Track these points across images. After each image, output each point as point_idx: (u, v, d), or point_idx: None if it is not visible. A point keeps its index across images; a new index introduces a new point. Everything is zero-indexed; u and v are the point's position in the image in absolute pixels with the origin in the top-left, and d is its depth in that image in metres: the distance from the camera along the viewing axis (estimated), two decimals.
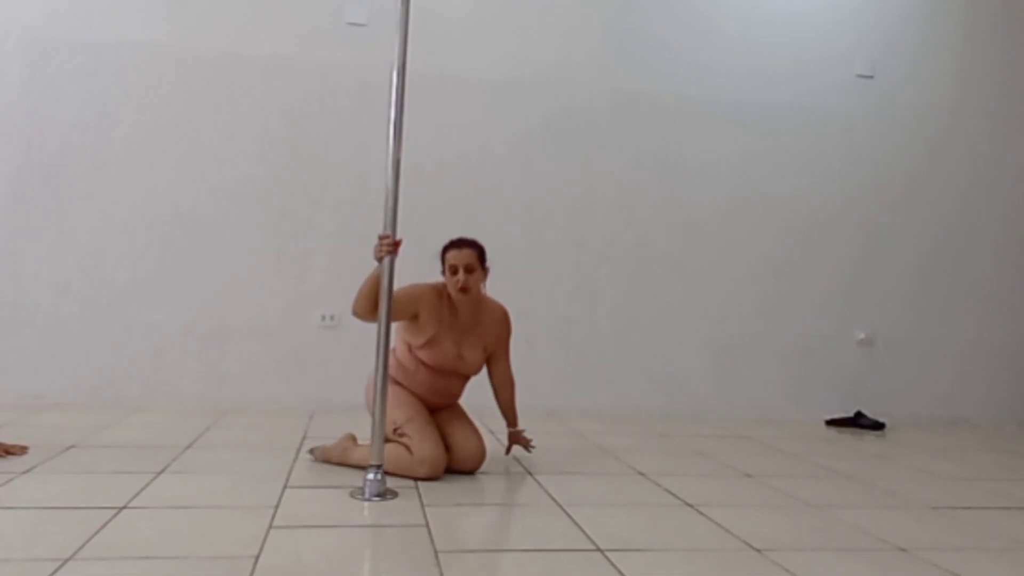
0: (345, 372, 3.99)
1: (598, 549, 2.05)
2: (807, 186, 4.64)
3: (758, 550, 2.11)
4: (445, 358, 2.78)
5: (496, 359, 2.93)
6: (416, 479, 2.64)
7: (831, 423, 4.44)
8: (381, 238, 2.52)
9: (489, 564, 1.96)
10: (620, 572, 1.89)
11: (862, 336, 4.68)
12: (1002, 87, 4.86)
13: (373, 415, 2.52)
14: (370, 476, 2.45)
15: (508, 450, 3.02)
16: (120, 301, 3.93)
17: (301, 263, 4.09)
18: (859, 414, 4.45)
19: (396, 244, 2.54)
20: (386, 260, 2.53)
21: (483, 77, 4.26)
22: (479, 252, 2.79)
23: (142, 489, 2.41)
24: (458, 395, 2.94)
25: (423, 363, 2.79)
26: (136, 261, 3.95)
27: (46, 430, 3.24)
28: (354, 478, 2.55)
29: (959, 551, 2.20)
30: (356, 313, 2.66)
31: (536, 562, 1.95)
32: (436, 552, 1.97)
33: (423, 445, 2.64)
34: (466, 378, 2.91)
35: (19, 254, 3.86)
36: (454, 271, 2.74)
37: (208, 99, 4.03)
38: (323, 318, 4.09)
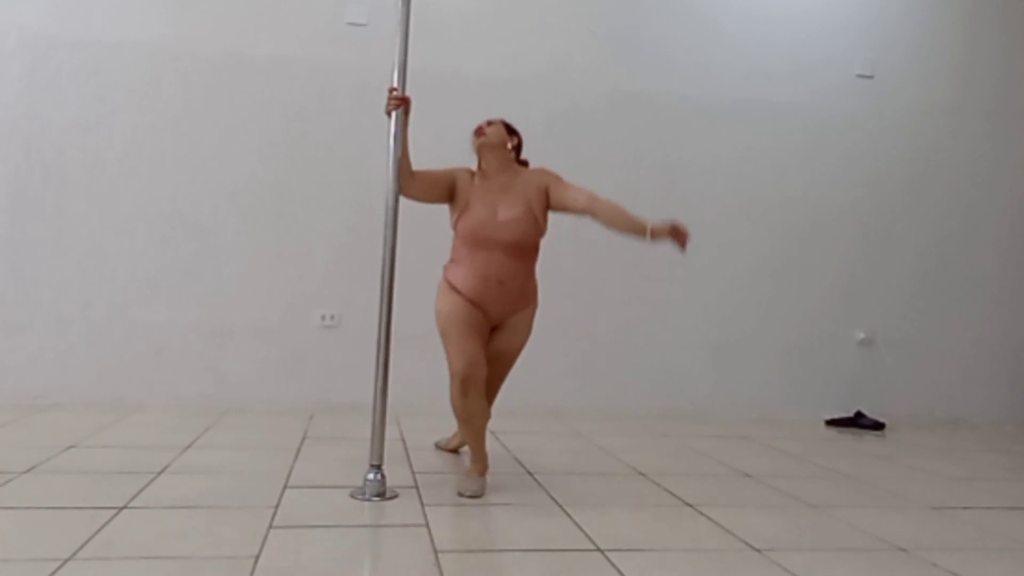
0: (345, 372, 4.00)
1: (598, 549, 2.05)
2: (807, 186, 4.64)
3: (758, 550, 2.11)
4: (478, 222, 2.62)
5: (563, 197, 2.67)
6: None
7: (831, 423, 4.44)
8: (390, 91, 2.55)
9: (489, 564, 1.96)
10: (620, 572, 1.89)
11: (862, 336, 4.68)
12: (1002, 87, 4.86)
13: (374, 414, 2.52)
14: (370, 476, 2.45)
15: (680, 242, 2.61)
16: (120, 301, 3.93)
17: (301, 263, 4.09)
18: (859, 414, 4.45)
19: (404, 100, 2.55)
20: (395, 115, 2.55)
21: (483, 76, 4.26)
22: (505, 123, 2.78)
23: (142, 489, 2.41)
24: (508, 280, 2.62)
25: (464, 242, 2.65)
26: (136, 261, 3.95)
27: (46, 430, 3.25)
28: (354, 478, 2.55)
29: (959, 551, 2.20)
30: (404, 194, 2.63)
31: (536, 562, 1.95)
32: (436, 552, 1.97)
33: (455, 360, 2.57)
34: (509, 252, 2.62)
35: (19, 254, 3.86)
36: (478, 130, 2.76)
37: (208, 99, 4.03)
38: (323, 318, 4.09)
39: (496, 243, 2.61)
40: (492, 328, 2.70)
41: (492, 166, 2.71)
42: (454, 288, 2.64)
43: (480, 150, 2.73)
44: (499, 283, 2.62)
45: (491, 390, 2.78)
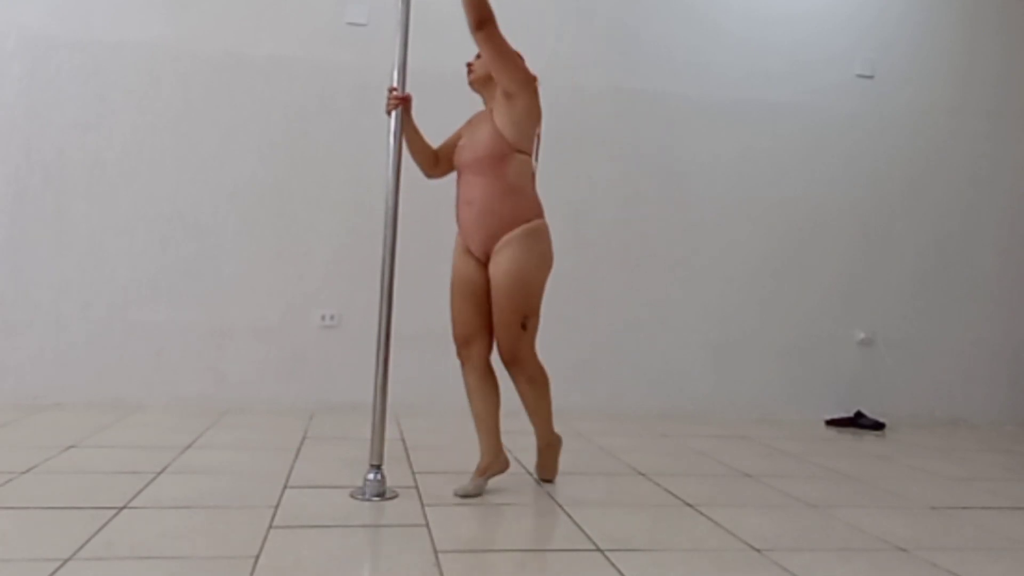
0: (345, 372, 4.00)
1: (598, 549, 2.05)
2: (807, 186, 4.64)
3: (758, 550, 2.11)
4: (456, 153, 2.59)
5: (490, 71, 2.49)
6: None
7: (831, 423, 4.44)
8: (390, 90, 2.54)
9: (489, 564, 1.96)
10: (620, 572, 1.89)
11: (862, 336, 4.68)
12: (1002, 87, 4.86)
13: (374, 412, 2.52)
14: (370, 476, 2.45)
15: None
16: (120, 301, 3.93)
17: (301, 263, 4.09)
18: (859, 414, 4.45)
19: (404, 99, 2.54)
20: (395, 114, 2.54)
21: None
22: None
23: (142, 489, 2.41)
24: (476, 199, 2.47)
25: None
26: (136, 261, 3.95)
27: (46, 430, 3.25)
28: (354, 478, 2.55)
29: (959, 551, 2.20)
30: (426, 174, 2.67)
31: (536, 562, 1.95)
32: (436, 552, 1.97)
33: (453, 330, 2.59)
34: (474, 170, 2.48)
35: (19, 254, 3.86)
36: None
37: (208, 99, 4.03)
38: (323, 318, 4.09)
39: (465, 165, 2.53)
40: (487, 263, 2.52)
41: (487, 98, 2.61)
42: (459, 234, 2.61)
43: (473, 87, 2.65)
44: (468, 203, 2.50)
45: (499, 346, 2.52)
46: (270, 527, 2.10)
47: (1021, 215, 4.90)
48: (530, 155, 2.52)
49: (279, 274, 4.07)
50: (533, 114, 2.49)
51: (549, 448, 2.70)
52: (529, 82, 2.46)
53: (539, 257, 2.49)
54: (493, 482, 2.64)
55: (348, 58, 4.11)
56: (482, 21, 2.31)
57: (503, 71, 2.40)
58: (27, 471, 2.55)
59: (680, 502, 2.57)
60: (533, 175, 2.56)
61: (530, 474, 2.84)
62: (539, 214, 2.52)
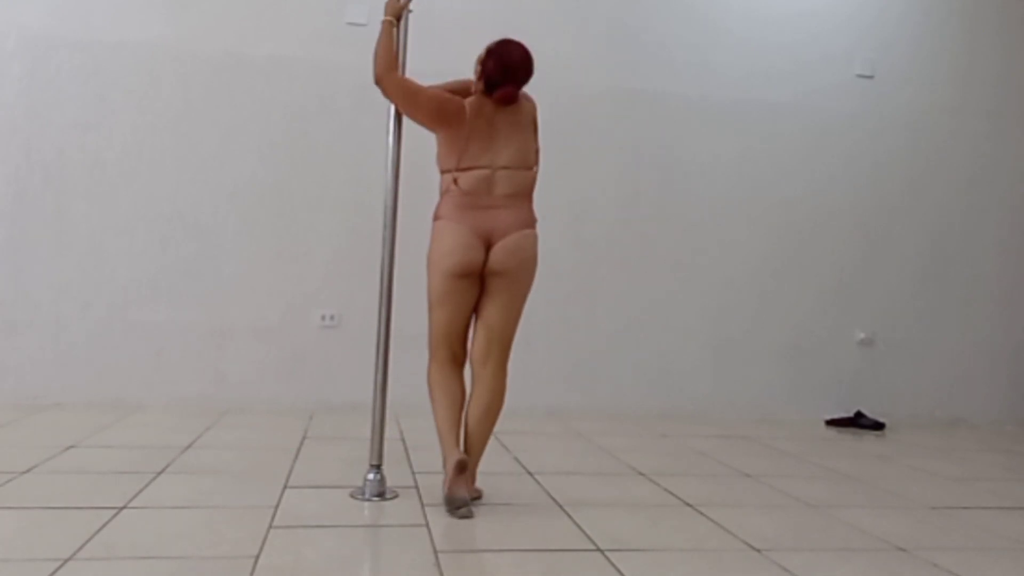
0: (345, 372, 4.00)
1: (598, 549, 2.05)
2: (807, 186, 4.64)
3: (758, 550, 2.11)
4: None
5: None
6: None
7: (831, 423, 4.44)
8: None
9: (489, 564, 1.96)
10: (620, 572, 1.89)
11: (862, 336, 4.68)
12: (1002, 87, 4.86)
13: (372, 417, 2.52)
14: (370, 476, 2.45)
15: None
16: (120, 301, 3.93)
17: (301, 263, 4.09)
18: (859, 414, 4.45)
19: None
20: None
21: None
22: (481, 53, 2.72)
23: (142, 489, 2.41)
24: None
25: None
26: (136, 261, 3.95)
27: (46, 430, 3.25)
28: (354, 478, 2.55)
29: (959, 551, 2.20)
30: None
31: (536, 562, 1.95)
32: (436, 552, 1.97)
33: None
34: None
35: (19, 254, 3.86)
36: None
37: (208, 99, 4.03)
38: (323, 318, 4.09)
39: None
40: None
41: None
42: None
43: None
44: None
45: None
46: (270, 527, 2.10)
47: (1021, 215, 4.90)
48: (449, 171, 2.53)
49: (279, 274, 4.07)
50: (444, 145, 2.55)
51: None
52: (439, 118, 2.54)
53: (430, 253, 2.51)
54: (493, 482, 2.64)
55: (348, 58, 4.10)
56: (378, 78, 2.52)
57: (408, 115, 2.57)
58: (27, 471, 2.55)
59: (680, 502, 2.57)
60: (455, 182, 2.52)
61: (530, 474, 2.84)
62: (436, 216, 2.53)
